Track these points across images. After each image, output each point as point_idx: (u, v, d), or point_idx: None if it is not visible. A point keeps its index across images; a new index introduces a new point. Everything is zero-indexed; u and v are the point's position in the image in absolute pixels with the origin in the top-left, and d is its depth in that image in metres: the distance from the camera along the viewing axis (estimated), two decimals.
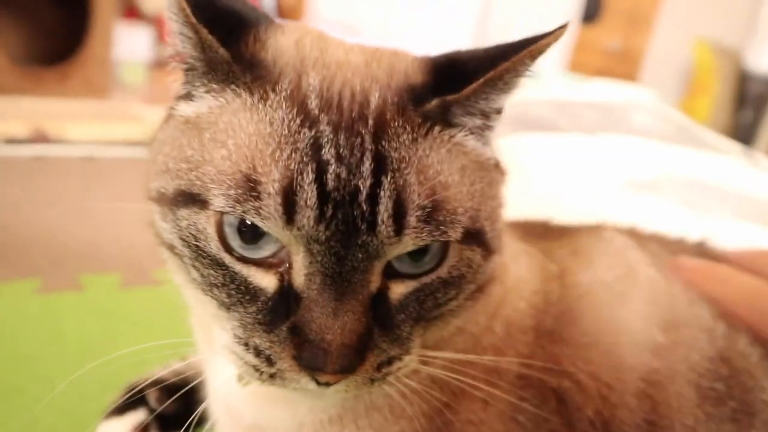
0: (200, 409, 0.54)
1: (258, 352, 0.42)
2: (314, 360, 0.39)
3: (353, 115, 0.40)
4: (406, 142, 0.41)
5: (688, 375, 0.53)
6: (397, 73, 0.44)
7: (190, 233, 0.42)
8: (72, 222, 1.18)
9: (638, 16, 3.42)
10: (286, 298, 0.41)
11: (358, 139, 0.39)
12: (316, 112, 0.40)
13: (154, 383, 0.66)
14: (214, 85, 0.43)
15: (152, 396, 0.65)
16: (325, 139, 0.39)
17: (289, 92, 0.41)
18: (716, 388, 0.53)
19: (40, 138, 1.57)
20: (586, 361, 0.53)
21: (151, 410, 0.65)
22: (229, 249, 0.41)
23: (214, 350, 0.54)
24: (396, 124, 0.41)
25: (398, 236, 0.39)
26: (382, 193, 0.39)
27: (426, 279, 0.43)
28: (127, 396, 0.66)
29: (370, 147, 0.39)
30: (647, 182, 0.93)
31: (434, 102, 0.43)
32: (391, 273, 0.42)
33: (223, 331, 0.45)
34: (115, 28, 2.20)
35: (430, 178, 0.41)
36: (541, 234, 0.67)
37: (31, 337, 0.83)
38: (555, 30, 0.43)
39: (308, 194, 0.38)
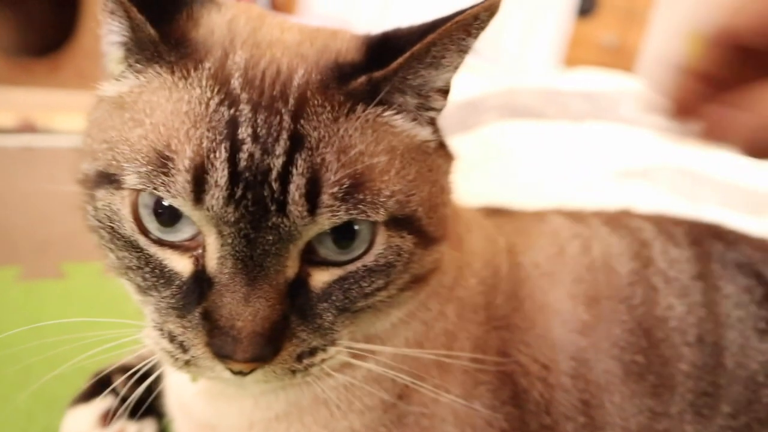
0: (143, 390, 0.53)
1: (172, 338, 0.41)
2: (224, 347, 0.38)
3: (274, 93, 0.40)
4: (327, 121, 0.39)
5: (612, 350, 0.54)
6: (329, 51, 0.43)
7: (105, 214, 0.41)
8: (56, 211, 1.17)
9: (634, 10, 3.40)
10: (200, 282, 0.40)
11: (277, 118, 0.39)
12: (238, 91, 0.39)
13: (121, 369, 0.66)
14: (139, 65, 0.42)
15: (119, 382, 0.65)
16: (243, 119, 0.38)
17: (212, 71, 0.40)
18: (637, 361, 0.53)
19: (27, 128, 1.56)
20: (525, 344, 0.53)
21: (119, 395, 0.65)
22: (144, 231, 0.41)
23: None
24: (316, 102, 0.40)
25: (312, 215, 0.38)
26: (294, 171, 0.38)
27: (351, 267, 0.42)
28: (93, 382, 0.66)
29: (287, 126, 0.38)
30: (637, 170, 0.92)
31: (361, 79, 0.41)
32: (313, 260, 0.41)
33: (144, 315, 0.44)
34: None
35: (352, 158, 0.39)
36: (492, 213, 0.67)
37: (11, 324, 0.82)
38: (486, 1, 0.41)
39: (219, 173, 0.37)
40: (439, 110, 0.46)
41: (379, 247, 0.42)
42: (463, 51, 0.43)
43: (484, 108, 0.98)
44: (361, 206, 0.39)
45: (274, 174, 0.38)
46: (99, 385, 0.65)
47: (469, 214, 0.60)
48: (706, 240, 0.63)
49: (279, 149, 0.38)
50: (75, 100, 1.98)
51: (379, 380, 0.48)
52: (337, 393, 0.48)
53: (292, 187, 0.38)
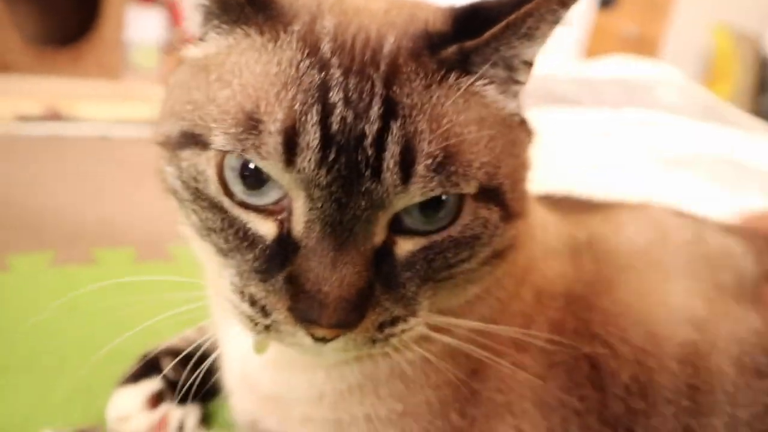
0: (212, 380, 0.53)
1: (253, 302, 0.40)
2: (309, 312, 0.38)
3: (365, 59, 0.39)
4: (419, 89, 0.39)
5: (731, 350, 0.51)
6: (417, 20, 0.42)
7: (190, 175, 0.41)
8: (85, 198, 1.18)
9: (656, 1, 3.35)
10: (285, 246, 0.39)
11: (368, 84, 0.38)
12: (328, 55, 0.39)
13: (169, 352, 0.65)
14: (225, 26, 0.42)
15: (167, 364, 0.64)
16: (334, 82, 0.38)
17: (301, 34, 0.40)
18: (758, 361, 0.51)
19: (52, 116, 1.57)
20: (618, 327, 0.51)
21: (166, 379, 0.64)
22: (229, 193, 0.40)
23: (228, 318, 0.53)
24: (409, 69, 0.39)
25: (405, 185, 0.37)
26: (389, 138, 0.37)
27: (437, 237, 0.41)
28: (141, 364, 0.65)
29: (380, 92, 0.38)
30: (678, 159, 0.90)
31: (452, 48, 0.40)
32: (399, 228, 0.40)
33: (222, 279, 0.43)
34: (128, 10, 2.20)
35: (444, 127, 0.38)
36: (569, 207, 0.64)
37: (45, 308, 0.82)
38: None
39: (311, 136, 0.37)
40: (523, 84, 0.45)
41: (466, 218, 0.41)
42: (555, 23, 0.42)
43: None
44: (453, 178, 0.38)
45: (369, 139, 0.37)
46: (147, 367, 0.65)
47: (541, 213, 0.58)
48: None
49: (373, 114, 0.37)
50: (97, 88, 2.00)
51: (453, 355, 0.47)
52: (413, 367, 0.48)
53: (387, 154, 0.37)
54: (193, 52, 0.44)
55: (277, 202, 0.40)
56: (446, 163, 0.38)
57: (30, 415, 0.65)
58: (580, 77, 1.04)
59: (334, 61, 0.39)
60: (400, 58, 0.39)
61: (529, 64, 0.45)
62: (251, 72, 0.39)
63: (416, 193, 0.38)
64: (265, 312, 0.40)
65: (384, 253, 0.40)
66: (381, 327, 0.41)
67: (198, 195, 0.41)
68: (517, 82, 0.45)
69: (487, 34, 0.41)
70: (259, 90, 0.38)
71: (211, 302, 0.55)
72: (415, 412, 0.49)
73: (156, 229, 1.03)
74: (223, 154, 0.39)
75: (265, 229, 0.40)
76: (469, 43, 0.41)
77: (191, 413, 0.64)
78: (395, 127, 0.37)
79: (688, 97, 1.01)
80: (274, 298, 0.39)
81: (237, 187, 0.40)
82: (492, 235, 0.43)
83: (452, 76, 0.41)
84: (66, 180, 1.25)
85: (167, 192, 0.45)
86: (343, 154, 0.37)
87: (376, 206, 0.38)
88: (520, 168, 0.45)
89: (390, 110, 0.37)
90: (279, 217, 0.40)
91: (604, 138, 0.93)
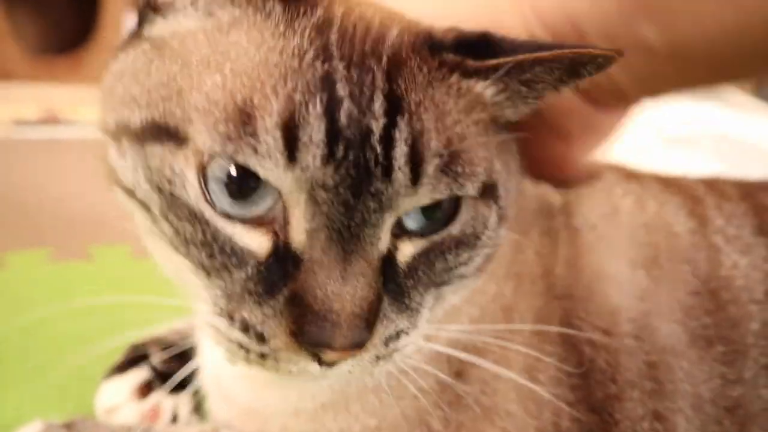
0: (189, 368, 0.49)
1: (246, 328, 0.35)
2: (320, 335, 0.33)
3: (366, 49, 0.35)
4: (423, 84, 0.36)
5: (675, 314, 0.51)
6: (422, 23, 0.40)
7: (163, 176, 0.35)
8: (82, 196, 1.17)
9: None
10: (282, 261, 0.35)
11: (369, 76, 0.34)
12: (333, 45, 0.35)
13: (157, 342, 0.65)
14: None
15: (155, 354, 0.64)
16: (339, 75, 0.34)
17: (319, 20, 0.36)
18: (705, 323, 0.50)
19: (51, 120, 1.57)
20: (587, 312, 0.51)
21: (155, 369, 0.63)
22: (211, 202, 0.35)
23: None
24: (413, 63, 0.36)
25: (414, 186, 0.34)
26: (397, 134, 0.33)
27: (437, 237, 0.38)
28: (128, 355, 0.65)
29: (381, 86, 0.34)
30: (680, 137, 0.88)
31: (452, 57, 0.38)
32: (399, 232, 0.37)
33: (200, 300, 0.38)
34: (126, 18, 2.21)
35: (448, 126, 0.36)
36: None
37: (43, 303, 0.82)
38: (606, 50, 0.36)
39: (314, 129, 0.32)
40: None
41: (465, 215, 0.38)
42: (550, 85, 0.39)
43: None
44: (459, 180, 0.36)
45: (376, 136, 0.33)
46: (135, 357, 0.64)
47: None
48: (758, 193, 0.59)
49: (376, 109, 0.34)
50: (96, 94, 2.01)
51: (436, 360, 0.45)
52: (388, 378, 0.44)
53: (397, 152, 0.34)
54: (158, 28, 0.39)
55: (267, 212, 0.35)
56: (452, 163, 0.35)
57: (22, 407, 0.65)
58: None
59: (337, 52, 0.35)
60: (403, 52, 0.36)
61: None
62: (249, 57, 0.34)
63: (425, 195, 0.35)
64: (261, 338, 0.35)
65: (387, 261, 0.37)
66: (387, 342, 0.37)
67: (173, 201, 0.35)
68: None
69: (491, 62, 0.37)
70: (255, 80, 0.33)
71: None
72: (392, 425, 0.47)
73: None
74: (208, 157, 0.34)
75: (257, 243, 0.35)
76: (472, 63, 0.37)
77: (184, 402, 0.63)
78: (402, 123, 0.34)
79: None
80: (274, 323, 0.35)
81: (222, 199, 0.35)
82: (491, 235, 0.40)
83: (454, 76, 0.38)
84: (63, 180, 1.25)
85: (116, 188, 0.40)
86: (351, 151, 0.33)
87: (384, 208, 0.34)
88: (510, 172, 0.43)
89: (394, 106, 0.34)
90: (272, 228, 0.35)
91: None
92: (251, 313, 0.35)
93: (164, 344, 0.63)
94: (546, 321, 0.49)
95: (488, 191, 0.39)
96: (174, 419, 0.62)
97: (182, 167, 0.34)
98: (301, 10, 0.36)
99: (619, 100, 0.44)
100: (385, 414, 0.47)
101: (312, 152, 0.33)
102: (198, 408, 0.65)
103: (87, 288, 0.88)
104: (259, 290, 0.35)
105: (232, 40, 0.35)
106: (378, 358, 0.37)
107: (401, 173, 0.34)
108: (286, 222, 0.35)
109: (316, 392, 0.48)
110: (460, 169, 0.36)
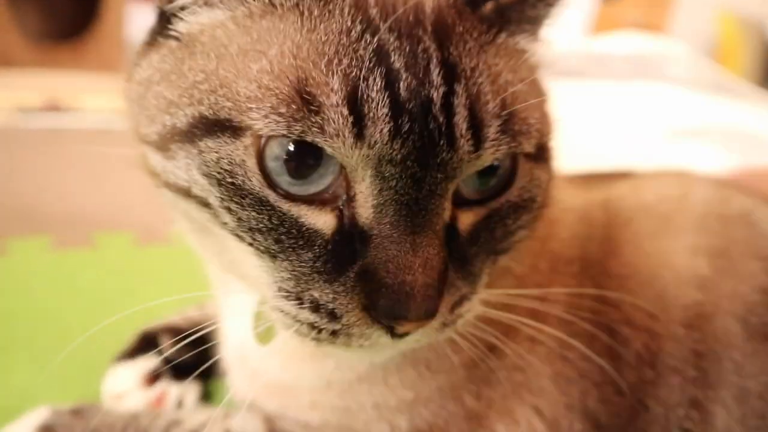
0: (212, 360, 0.50)
1: (316, 307, 0.36)
2: (395, 307, 0.33)
3: (410, 20, 0.36)
4: (474, 49, 0.36)
5: (736, 309, 0.49)
6: None
7: (222, 168, 0.35)
8: (85, 184, 1.17)
9: None
10: (349, 238, 0.35)
11: (420, 46, 0.35)
12: (377, 20, 0.35)
13: (168, 330, 0.64)
14: None
15: (165, 342, 0.63)
16: (391, 47, 0.34)
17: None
18: (766, 321, 0.49)
19: (53, 108, 1.56)
20: (629, 291, 0.49)
21: (164, 357, 0.62)
22: (273, 185, 0.35)
23: (231, 306, 0.51)
24: (460, 29, 0.36)
25: (477, 150, 0.34)
26: (457, 101, 0.34)
27: (495, 204, 0.38)
28: (138, 341, 0.64)
29: (435, 54, 0.35)
30: (689, 130, 0.87)
31: (489, 6, 0.38)
32: (458, 201, 0.37)
33: (261, 285, 0.38)
34: (128, 6, 2.20)
35: (502, 87, 0.36)
36: (598, 179, 0.63)
37: (45, 290, 0.82)
38: None
39: (378, 105, 0.32)
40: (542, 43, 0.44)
41: (521, 180, 0.38)
42: None
43: None
44: (519, 138, 0.36)
45: (437, 105, 0.33)
46: (144, 344, 0.63)
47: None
48: None
49: (435, 78, 0.34)
50: (98, 82, 1.99)
51: (470, 334, 0.44)
52: (427, 351, 0.45)
53: (458, 119, 0.34)
54: (185, 24, 0.38)
55: (328, 188, 0.35)
56: (510, 122, 0.36)
57: (28, 393, 0.63)
58: (587, 53, 1.02)
59: (383, 25, 0.35)
60: (447, 18, 0.36)
61: (545, 22, 0.43)
62: (292, 40, 0.34)
63: (487, 158, 0.35)
64: (333, 316, 0.35)
65: (450, 229, 0.37)
66: (452, 308, 0.38)
67: (235, 191, 0.35)
68: (539, 40, 0.43)
69: None
70: (305, 60, 0.33)
71: (215, 289, 0.52)
72: (427, 398, 0.47)
73: (155, 212, 1.02)
74: (265, 139, 0.34)
75: (322, 221, 0.35)
76: (504, 0, 0.39)
77: (190, 390, 0.62)
78: (460, 90, 0.34)
79: (697, 71, 0.98)
80: (346, 299, 0.35)
81: (282, 178, 0.34)
82: (545, 194, 0.41)
83: (502, 35, 0.38)
84: (66, 168, 1.24)
85: (169, 192, 0.39)
86: (416, 123, 0.33)
87: (449, 177, 0.35)
88: (550, 123, 0.43)
89: (450, 73, 0.34)
90: (336, 205, 0.35)
91: (613, 110, 0.91)
92: (322, 292, 0.35)
93: (176, 332, 0.62)
94: (578, 300, 0.48)
95: (541, 152, 0.40)
96: (179, 406, 0.61)
97: (242, 156, 0.34)
98: None
99: None
100: (421, 387, 0.46)
101: (379, 128, 0.33)
102: (206, 397, 0.64)
103: (90, 275, 0.87)
104: (328, 268, 0.35)
105: (267, 26, 0.35)
106: (444, 324, 0.38)
107: (464, 140, 0.34)
108: (350, 198, 0.35)
109: (354, 363, 0.47)
110: (517, 128, 0.36)
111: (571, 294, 0.48)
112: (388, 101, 0.33)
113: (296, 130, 0.32)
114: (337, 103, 0.32)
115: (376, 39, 0.34)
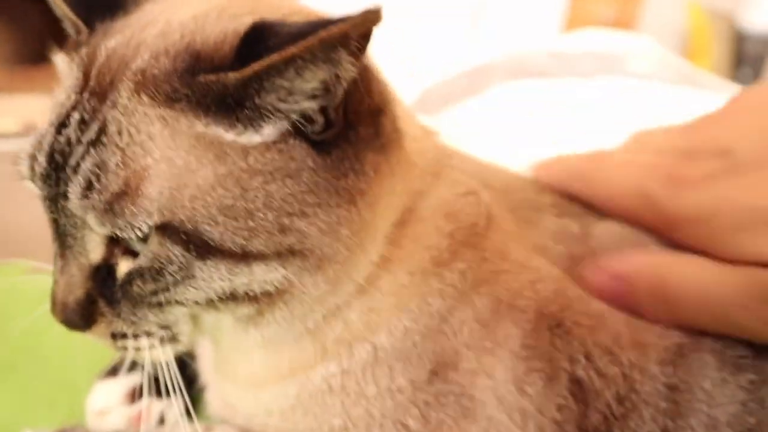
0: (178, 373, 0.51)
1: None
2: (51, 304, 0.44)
3: (107, 80, 0.41)
4: (138, 116, 0.39)
5: (713, 345, 0.48)
6: (203, 34, 0.40)
7: None
8: None
9: None
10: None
11: (96, 105, 0.40)
12: (90, 75, 0.41)
13: None
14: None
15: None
16: (80, 105, 0.41)
17: (86, 55, 0.43)
18: (742, 354, 0.48)
19: (30, 132, 1.56)
20: (600, 346, 0.48)
21: (148, 372, 0.62)
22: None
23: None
24: (137, 92, 0.40)
25: (82, 213, 0.40)
26: (82, 165, 0.39)
27: (140, 261, 0.42)
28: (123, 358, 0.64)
29: (100, 116, 0.40)
30: (657, 121, 0.89)
31: (211, 77, 0.38)
32: (129, 249, 0.42)
33: None
34: None
35: (137, 162, 0.38)
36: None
37: (24, 314, 0.81)
38: (364, 12, 0.34)
39: (41, 152, 0.41)
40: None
41: (149, 250, 0.40)
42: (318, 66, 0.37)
43: (493, 72, 0.96)
44: (120, 221, 0.39)
45: (73, 161, 0.39)
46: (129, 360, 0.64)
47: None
48: None
49: (85, 138, 0.39)
50: None
51: (404, 359, 0.47)
52: (339, 380, 0.48)
53: (76, 177, 0.39)
54: None
55: None
56: (119, 200, 0.38)
57: (11, 416, 0.64)
58: (550, 51, 1.04)
59: (92, 83, 0.41)
60: (136, 80, 0.40)
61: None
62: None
63: (95, 225, 0.40)
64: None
65: (108, 271, 0.43)
66: (114, 336, 0.45)
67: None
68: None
69: (249, 71, 0.36)
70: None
71: None
72: (361, 424, 0.47)
73: None
74: None
75: None
76: (232, 76, 0.37)
77: (172, 405, 0.63)
78: (91, 153, 0.39)
79: (662, 66, 1.01)
80: None
81: None
82: (186, 274, 0.40)
83: (190, 113, 0.39)
84: None
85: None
86: (58, 172, 0.40)
87: (78, 225, 0.41)
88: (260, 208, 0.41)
89: (99, 136, 0.39)
90: None
91: (577, 108, 0.92)
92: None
93: None
94: (535, 342, 0.47)
95: (173, 231, 0.39)
96: (161, 422, 0.62)
97: None
98: (80, 49, 0.45)
99: None
100: (348, 413, 0.48)
101: (35, 169, 0.42)
102: (191, 410, 0.64)
103: None
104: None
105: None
106: (117, 344, 0.46)
107: (73, 196, 0.39)
108: None
109: (280, 395, 0.50)
110: (127, 212, 0.38)
111: (527, 337, 0.48)
112: (46, 150, 0.42)
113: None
114: (25, 154, 0.44)
115: (74, 96, 0.42)
